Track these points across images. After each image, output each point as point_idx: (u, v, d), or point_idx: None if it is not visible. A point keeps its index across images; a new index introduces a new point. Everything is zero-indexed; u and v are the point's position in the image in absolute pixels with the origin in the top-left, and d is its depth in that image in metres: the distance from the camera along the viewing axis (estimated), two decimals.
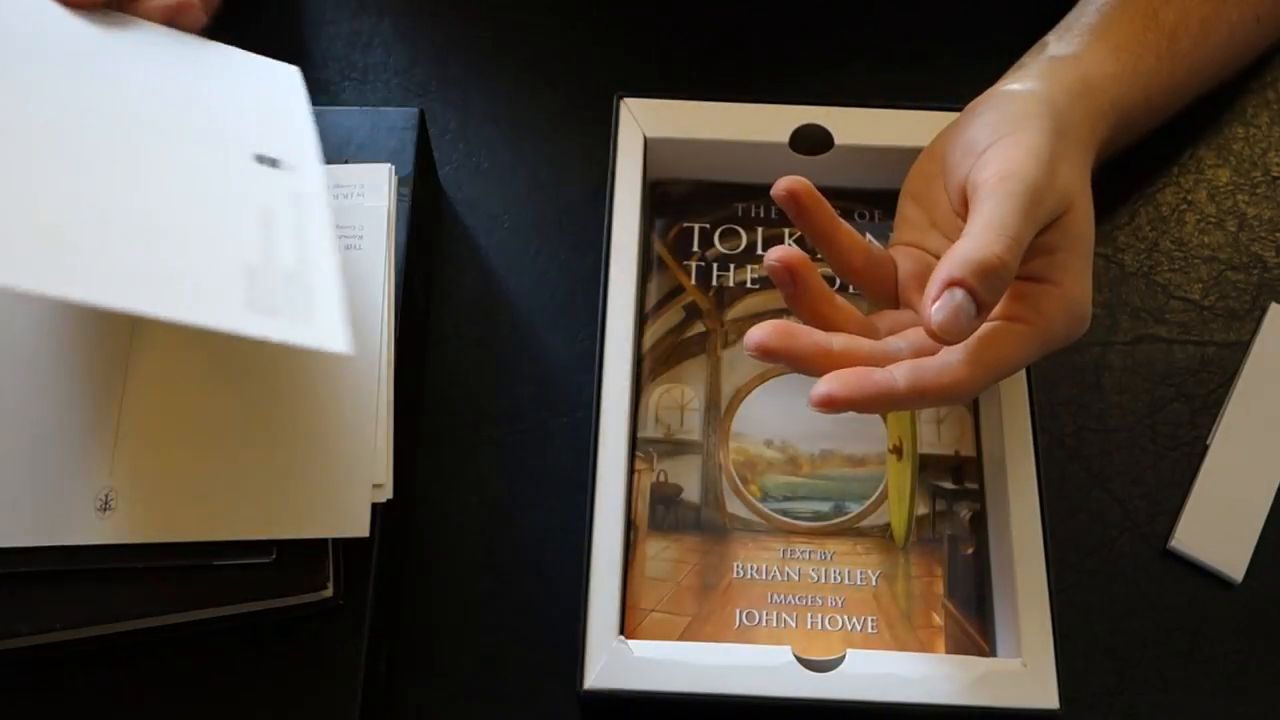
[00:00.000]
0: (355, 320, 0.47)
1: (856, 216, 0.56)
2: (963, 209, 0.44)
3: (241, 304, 0.37)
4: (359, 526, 0.43)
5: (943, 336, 0.40)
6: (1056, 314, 0.43)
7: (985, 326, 0.42)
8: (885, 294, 0.47)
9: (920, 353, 0.43)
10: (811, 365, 0.41)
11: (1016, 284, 0.43)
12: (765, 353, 0.42)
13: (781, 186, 0.44)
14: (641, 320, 0.53)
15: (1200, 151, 0.61)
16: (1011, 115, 0.45)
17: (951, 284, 0.39)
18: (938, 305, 0.39)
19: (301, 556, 0.44)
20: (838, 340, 0.43)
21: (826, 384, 0.40)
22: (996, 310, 0.43)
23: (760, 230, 0.56)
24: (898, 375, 0.41)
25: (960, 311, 0.39)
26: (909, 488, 0.50)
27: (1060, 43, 0.50)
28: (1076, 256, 0.43)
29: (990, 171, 0.42)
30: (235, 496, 0.44)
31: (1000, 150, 0.43)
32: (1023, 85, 0.47)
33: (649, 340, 0.53)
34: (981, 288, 0.39)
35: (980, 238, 0.40)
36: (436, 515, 0.53)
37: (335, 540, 0.44)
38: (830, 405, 0.40)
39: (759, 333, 0.42)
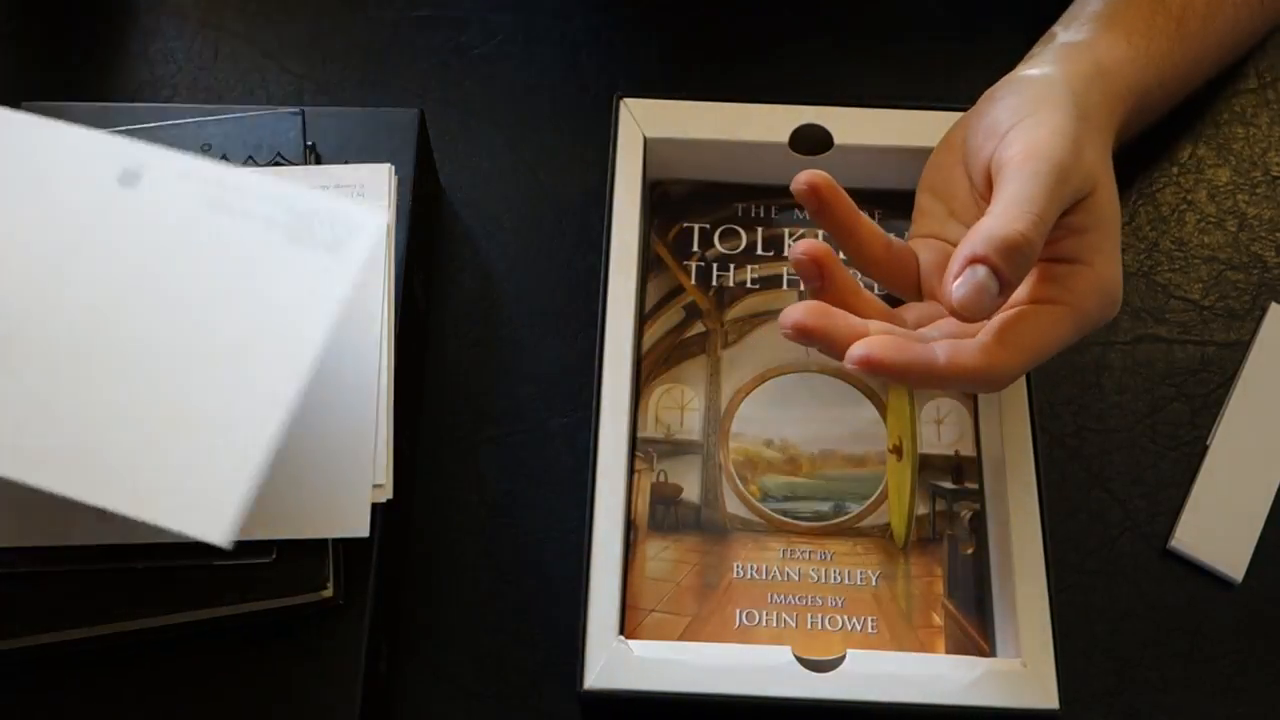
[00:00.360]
0: (355, 320, 0.47)
1: None
2: (987, 191, 0.44)
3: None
4: (359, 526, 0.43)
5: (964, 313, 0.39)
6: (1089, 294, 0.42)
7: (1018, 309, 0.42)
8: (908, 286, 0.47)
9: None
10: (847, 347, 0.41)
11: (1047, 266, 0.43)
12: (802, 332, 0.41)
13: (802, 180, 0.44)
14: (641, 320, 0.53)
15: (1200, 151, 0.61)
16: (1032, 98, 0.45)
17: (974, 260, 0.39)
18: (959, 281, 0.39)
19: (301, 556, 0.44)
20: (874, 324, 0.43)
21: (865, 345, 0.40)
22: (1029, 293, 0.43)
23: (760, 230, 0.56)
24: (938, 350, 0.40)
25: (982, 288, 0.39)
26: (909, 488, 0.50)
27: (1068, 31, 0.51)
28: (1105, 237, 0.43)
29: (1015, 150, 0.42)
30: None
31: (1024, 130, 0.43)
32: (1039, 70, 0.47)
33: (649, 340, 0.53)
34: (1005, 264, 0.39)
35: (1004, 215, 0.40)
36: (436, 515, 0.53)
37: (335, 540, 0.44)
38: (868, 365, 0.40)
39: (795, 312, 0.41)
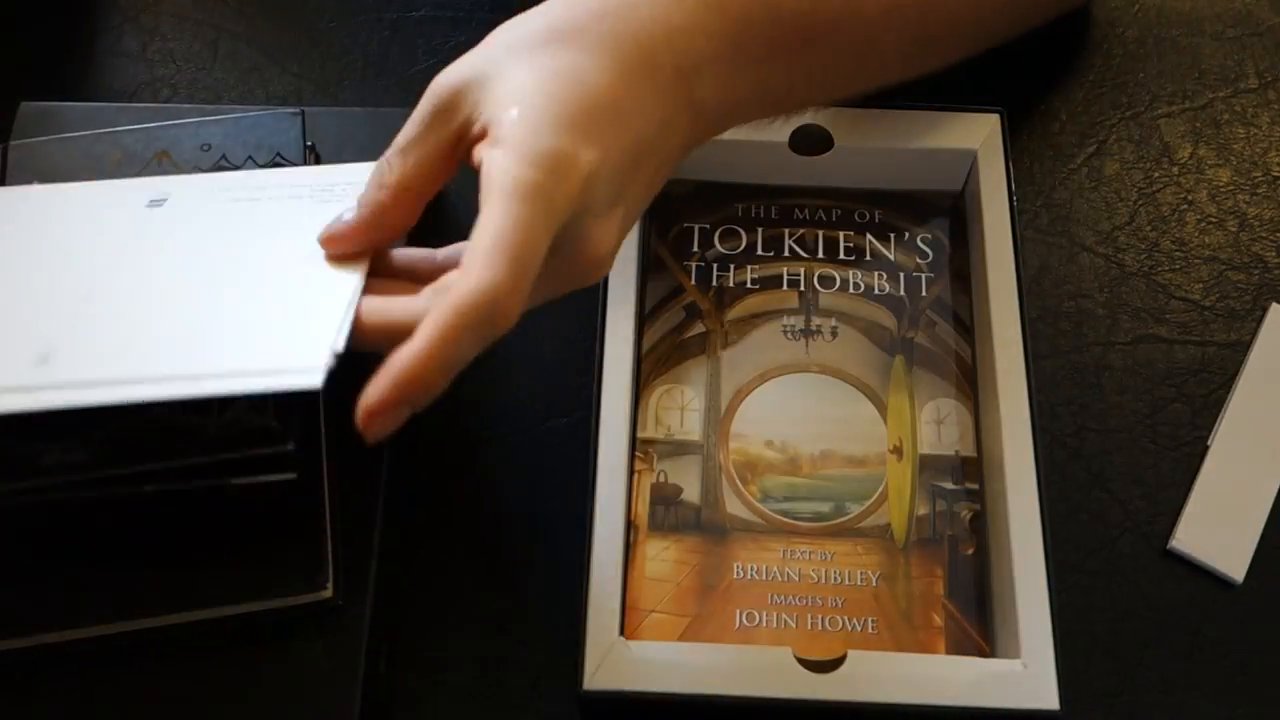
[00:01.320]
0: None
1: (857, 217, 0.56)
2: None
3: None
4: (312, 374, 0.38)
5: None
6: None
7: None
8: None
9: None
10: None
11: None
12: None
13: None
14: (641, 320, 0.53)
15: (1200, 151, 0.61)
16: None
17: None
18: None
19: (301, 556, 0.44)
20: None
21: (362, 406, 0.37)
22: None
23: (760, 230, 0.56)
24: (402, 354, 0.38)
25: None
26: (909, 488, 0.50)
27: None
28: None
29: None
30: (182, 336, 0.41)
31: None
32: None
33: (649, 340, 0.53)
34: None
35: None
36: (436, 515, 0.53)
37: (335, 540, 0.44)
38: (373, 420, 0.37)
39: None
